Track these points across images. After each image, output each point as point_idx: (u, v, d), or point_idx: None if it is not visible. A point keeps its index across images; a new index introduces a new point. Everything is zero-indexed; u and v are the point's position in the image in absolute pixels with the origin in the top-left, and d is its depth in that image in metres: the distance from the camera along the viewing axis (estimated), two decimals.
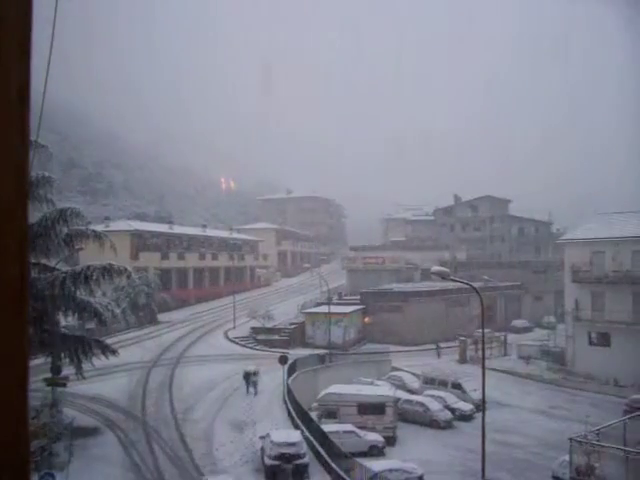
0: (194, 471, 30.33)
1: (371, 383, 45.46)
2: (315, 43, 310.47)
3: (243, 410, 40.03)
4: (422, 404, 42.19)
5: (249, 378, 44.12)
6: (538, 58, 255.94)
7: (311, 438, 33.15)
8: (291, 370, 46.35)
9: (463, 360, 60.93)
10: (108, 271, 31.62)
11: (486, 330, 33.93)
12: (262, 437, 32.28)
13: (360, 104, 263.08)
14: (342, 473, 29.32)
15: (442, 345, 65.37)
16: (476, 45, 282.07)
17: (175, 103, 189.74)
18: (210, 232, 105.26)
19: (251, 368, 45.00)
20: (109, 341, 39.78)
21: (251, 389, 43.94)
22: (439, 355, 62.96)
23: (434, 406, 42.07)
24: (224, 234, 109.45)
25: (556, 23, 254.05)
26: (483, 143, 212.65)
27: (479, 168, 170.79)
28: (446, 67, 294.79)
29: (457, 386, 47.01)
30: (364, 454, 33.16)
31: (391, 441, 37.09)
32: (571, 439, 26.57)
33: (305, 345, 65.43)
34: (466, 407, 43.46)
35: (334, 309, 62.65)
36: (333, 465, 30.14)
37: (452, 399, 44.31)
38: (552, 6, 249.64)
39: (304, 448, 30.79)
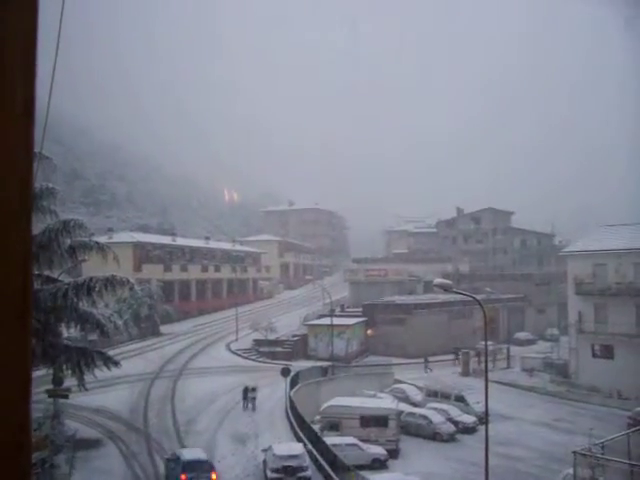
0: None
1: (374, 396, 45.31)
2: (316, 51, 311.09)
3: (245, 423, 39.91)
4: (425, 417, 42.01)
5: (247, 394, 43.48)
6: (541, 68, 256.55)
7: (314, 451, 33.02)
8: (293, 382, 46.23)
9: (466, 373, 60.75)
10: (111, 283, 31.59)
11: (489, 343, 33.83)
12: (264, 450, 32.17)
13: (362, 115, 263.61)
14: None
15: (444, 358, 65.29)
16: (475, 50, 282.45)
17: (178, 115, 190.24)
18: (213, 244, 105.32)
19: (249, 384, 44.38)
20: (111, 353, 39.74)
21: (249, 405, 43.23)
22: (426, 370, 61.70)
23: (437, 419, 41.89)
24: (227, 246, 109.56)
25: (556, 25, 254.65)
26: (484, 153, 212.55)
27: (481, 180, 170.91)
28: (444, 75, 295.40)
29: (460, 399, 46.84)
30: (367, 467, 33.01)
31: (394, 454, 36.92)
32: (575, 452, 26.40)
33: (308, 357, 65.31)
34: (469, 420, 43.26)
35: (337, 321, 62.59)
36: (336, 478, 29.99)
37: (455, 412, 44.11)
38: (552, 7, 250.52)
39: (306, 461, 30.66)
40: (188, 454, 29.77)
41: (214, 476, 29.00)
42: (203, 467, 29.00)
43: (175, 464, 29.23)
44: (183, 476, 28.22)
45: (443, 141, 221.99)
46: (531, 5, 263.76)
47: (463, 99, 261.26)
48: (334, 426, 38.12)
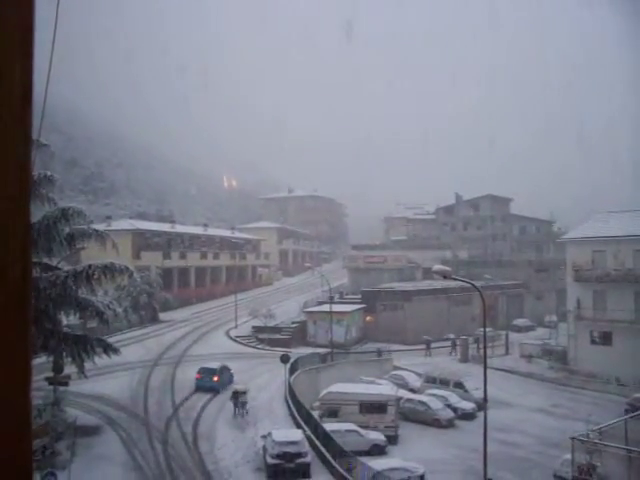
0: (196, 470, 30.39)
1: (373, 382, 45.45)
2: (314, 41, 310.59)
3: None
4: (424, 403, 42.17)
5: (237, 398, 39.40)
6: (539, 56, 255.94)
7: (313, 437, 33.17)
8: (293, 369, 46.36)
9: (465, 359, 60.95)
10: (110, 270, 31.60)
11: (488, 329, 33.90)
12: (264, 436, 32.31)
13: (361, 102, 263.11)
14: (344, 472, 29.35)
15: (444, 345, 65.61)
16: (476, 43, 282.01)
17: (177, 102, 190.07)
18: (212, 231, 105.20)
19: (239, 387, 40.90)
20: (111, 340, 39.74)
21: (240, 411, 39.44)
22: (380, 355, 59.89)
23: (436, 405, 42.05)
24: (226, 233, 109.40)
25: (556, 22, 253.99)
26: (483, 141, 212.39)
27: (480, 167, 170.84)
28: (446, 64, 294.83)
29: (459, 385, 47.00)
30: (366, 453, 33.17)
31: (393, 440, 37.09)
32: (573, 438, 26.54)
33: (307, 344, 65.45)
34: (468, 406, 43.43)
35: (336, 308, 62.65)
36: (335, 464, 30.16)
37: (454, 398, 44.28)
38: (554, 5, 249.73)
39: (306, 447, 30.82)
40: (206, 365, 46.42)
41: (215, 378, 44.56)
42: (211, 371, 44.97)
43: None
44: (197, 375, 44.80)
45: (443, 128, 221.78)
46: (533, 4, 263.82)
47: (464, 87, 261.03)
48: (333, 412, 38.25)
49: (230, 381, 46.03)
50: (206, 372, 44.80)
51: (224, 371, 46.22)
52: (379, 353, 59.74)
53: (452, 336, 65.75)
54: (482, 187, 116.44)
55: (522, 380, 54.36)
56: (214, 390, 43.65)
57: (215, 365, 46.27)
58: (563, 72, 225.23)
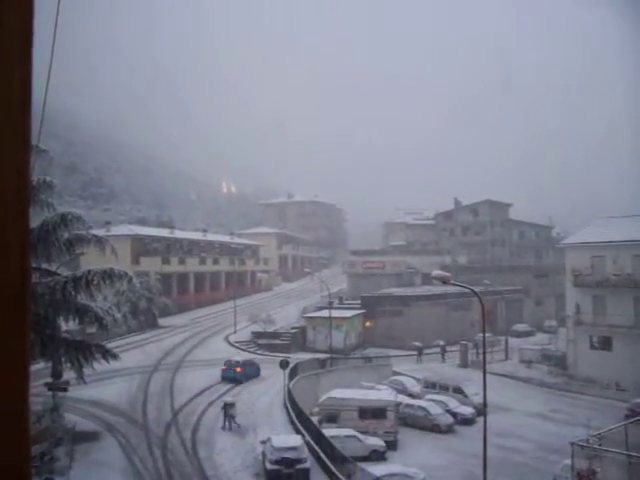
0: (195, 476, 30.31)
1: (372, 387, 45.39)
2: (314, 44, 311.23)
3: (244, 415, 39.94)
4: (423, 408, 42.12)
5: (226, 410, 37.94)
6: (540, 59, 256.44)
7: (312, 443, 33.10)
8: (292, 374, 46.31)
9: (464, 364, 60.91)
10: (109, 275, 31.53)
11: (487, 334, 33.85)
12: (263, 442, 32.24)
13: (359, 108, 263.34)
14: (343, 478, 29.28)
15: (437, 351, 65.53)
16: (476, 46, 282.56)
17: (176, 108, 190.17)
18: (211, 236, 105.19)
19: (228, 399, 39.62)
20: (110, 345, 39.69)
21: (233, 424, 37.80)
22: (370, 361, 59.82)
23: (435, 410, 42.00)
24: (225, 238, 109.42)
25: (556, 24, 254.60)
26: (483, 146, 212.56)
27: (480, 172, 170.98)
28: (445, 68, 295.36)
29: (458, 390, 46.96)
30: (365, 459, 33.10)
31: (392, 445, 37.02)
32: (573, 443, 26.47)
33: (306, 349, 65.41)
34: (467, 411, 43.38)
35: (335, 313, 62.59)
36: (334, 470, 30.09)
37: (453, 403, 44.24)
38: (554, 7, 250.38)
39: (305, 452, 30.75)
40: (231, 358, 51.99)
41: (238, 369, 49.62)
42: (234, 364, 50.17)
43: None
44: (223, 367, 49.87)
45: (442, 133, 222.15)
46: (534, 4, 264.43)
47: (463, 91, 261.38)
48: (332, 418, 38.17)
49: (257, 374, 51.33)
50: (230, 365, 50.22)
51: (248, 364, 51.30)
52: (368, 359, 59.80)
53: (442, 343, 65.82)
54: (481, 192, 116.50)
55: (521, 385, 54.32)
56: (237, 380, 48.85)
57: (239, 358, 52.36)
58: (563, 75, 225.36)
